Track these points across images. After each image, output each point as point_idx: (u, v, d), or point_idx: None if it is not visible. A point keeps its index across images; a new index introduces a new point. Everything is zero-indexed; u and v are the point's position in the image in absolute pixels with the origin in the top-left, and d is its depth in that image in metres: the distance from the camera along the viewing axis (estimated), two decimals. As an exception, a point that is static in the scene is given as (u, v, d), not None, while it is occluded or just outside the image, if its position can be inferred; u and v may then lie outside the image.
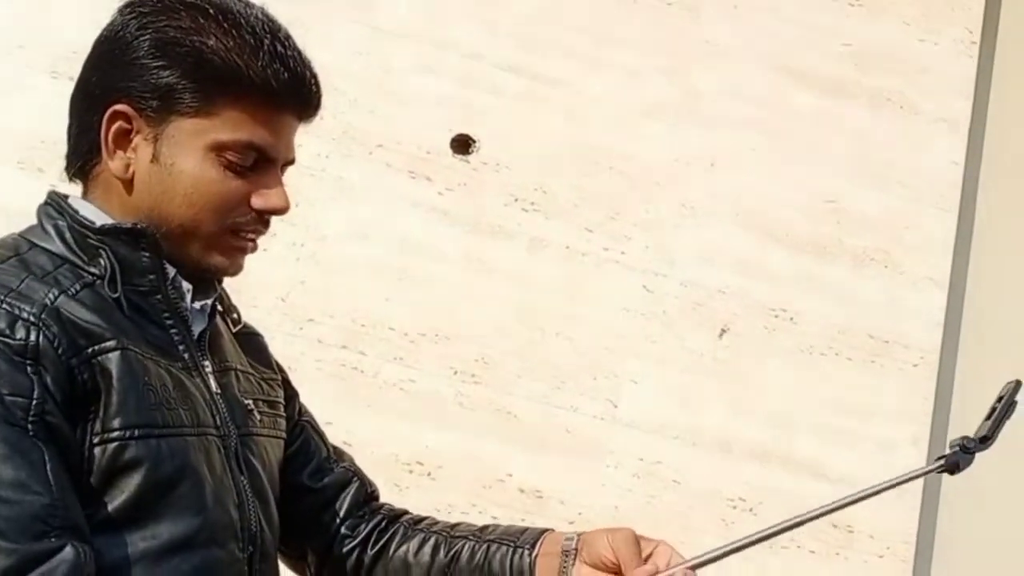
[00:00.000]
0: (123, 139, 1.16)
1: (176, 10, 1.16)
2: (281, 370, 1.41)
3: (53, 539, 1.02)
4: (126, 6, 1.18)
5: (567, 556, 1.28)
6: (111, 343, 1.10)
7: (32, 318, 1.07)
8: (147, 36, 1.15)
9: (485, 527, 1.38)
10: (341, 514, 1.38)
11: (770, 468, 2.49)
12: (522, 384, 2.41)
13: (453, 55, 2.51)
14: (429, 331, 2.39)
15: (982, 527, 2.52)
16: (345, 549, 1.37)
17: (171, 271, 1.19)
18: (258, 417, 1.27)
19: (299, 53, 1.19)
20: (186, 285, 1.20)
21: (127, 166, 1.16)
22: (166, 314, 1.18)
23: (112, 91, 1.16)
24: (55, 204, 1.19)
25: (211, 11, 1.16)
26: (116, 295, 1.14)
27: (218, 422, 1.20)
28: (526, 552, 1.32)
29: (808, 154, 2.67)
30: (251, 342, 1.36)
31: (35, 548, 1.01)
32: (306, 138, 2.22)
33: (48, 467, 1.03)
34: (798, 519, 1.22)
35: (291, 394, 1.41)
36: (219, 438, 1.19)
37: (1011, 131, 2.78)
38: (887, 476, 2.61)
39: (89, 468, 1.08)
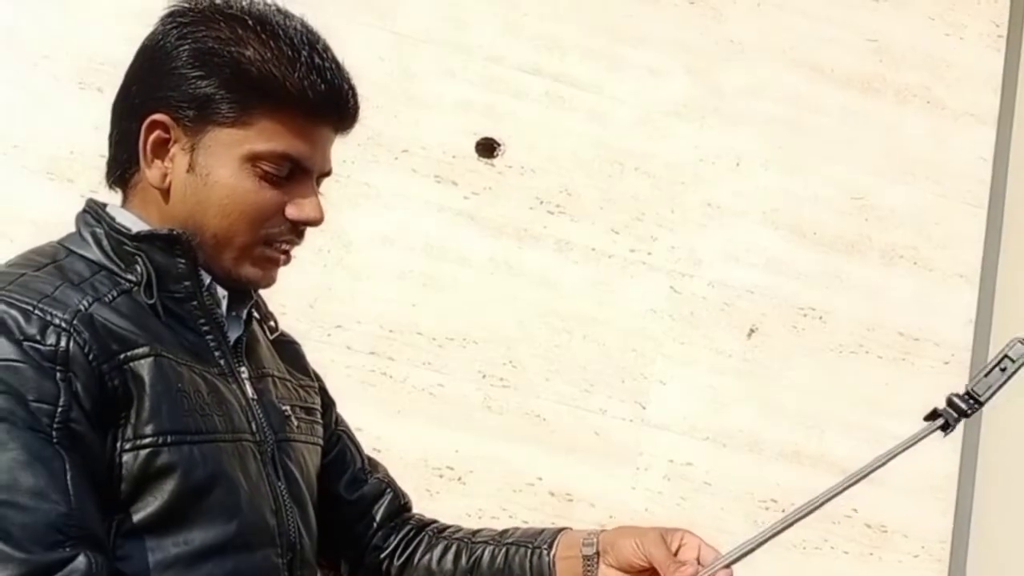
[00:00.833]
0: (161, 148, 1.18)
1: (215, 20, 1.17)
2: (318, 378, 1.42)
3: (67, 549, 1.01)
4: (167, 16, 1.19)
5: (589, 561, 1.28)
6: (144, 349, 1.11)
7: (64, 324, 1.07)
8: (186, 46, 1.16)
9: (505, 531, 1.39)
10: (374, 525, 1.39)
11: (801, 468, 2.47)
12: (550, 387, 2.40)
13: (475, 58, 2.51)
14: (457, 335, 2.38)
15: (1017, 525, 2.49)
16: (376, 559, 1.39)
17: (207, 278, 1.19)
18: (295, 423, 1.27)
19: (337, 64, 1.20)
20: (221, 292, 1.21)
21: (164, 175, 1.18)
22: (202, 320, 1.19)
23: (151, 100, 1.17)
24: (93, 212, 1.20)
25: (250, 22, 1.16)
26: (152, 301, 1.15)
27: (254, 428, 1.20)
28: (544, 552, 1.33)
29: (835, 151, 2.65)
30: (288, 350, 1.37)
31: (48, 558, 1.00)
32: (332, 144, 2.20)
33: (68, 476, 1.03)
34: (818, 500, 1.20)
35: (328, 403, 1.42)
36: (255, 444, 1.19)
37: (1040, 125, 2.75)
38: (919, 474, 2.59)
39: (120, 474, 1.08)
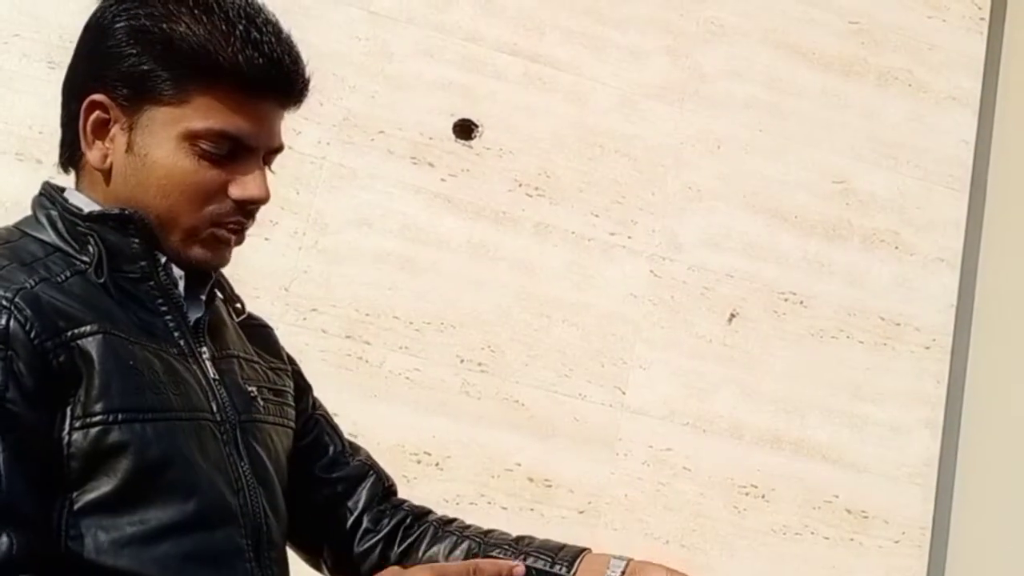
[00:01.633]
0: (101, 129, 1.16)
1: None
2: (293, 362, 1.40)
3: None
4: None
5: None
6: (92, 327, 1.09)
7: (4, 302, 1.06)
8: (121, 24, 1.15)
9: (521, 538, 1.36)
10: (359, 507, 1.37)
11: (782, 454, 2.46)
12: (529, 372, 2.38)
13: (453, 39, 2.48)
14: (434, 319, 2.36)
15: (998, 511, 2.49)
16: (368, 544, 1.36)
17: (162, 258, 1.18)
18: (261, 404, 1.25)
19: (278, 37, 1.17)
20: (178, 272, 1.19)
21: (105, 156, 1.16)
22: (160, 300, 1.17)
23: (90, 80, 1.16)
24: (48, 195, 1.18)
25: None
26: (102, 280, 1.13)
27: (215, 408, 1.18)
28: (564, 569, 1.30)
29: (816, 134, 2.64)
30: (258, 333, 1.35)
31: None
32: (306, 126, 2.20)
33: (1, 456, 1.01)
34: None
35: (304, 386, 1.40)
36: (215, 423, 1.17)
37: (1022, 108, 2.74)
38: (900, 460, 2.58)
39: (70, 452, 1.06)
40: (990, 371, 2.58)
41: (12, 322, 1.05)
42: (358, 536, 1.36)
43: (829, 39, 2.68)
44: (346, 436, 1.42)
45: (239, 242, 1.21)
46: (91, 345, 1.09)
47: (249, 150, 1.18)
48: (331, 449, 1.38)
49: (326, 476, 1.36)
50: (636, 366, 2.44)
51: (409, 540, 1.36)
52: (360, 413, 2.24)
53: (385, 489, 1.40)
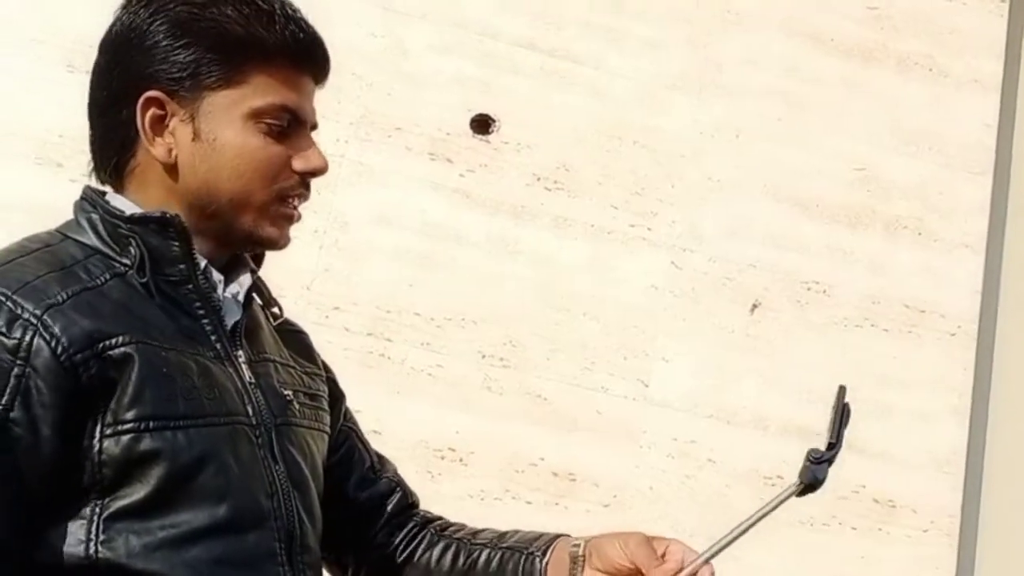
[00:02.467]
0: (159, 125, 1.18)
1: None
2: (328, 370, 1.41)
3: None
4: (127, 3, 1.20)
5: (575, 563, 1.28)
6: (125, 336, 1.10)
7: (32, 319, 1.07)
8: (161, 20, 1.18)
9: (504, 534, 1.39)
10: (380, 523, 1.39)
11: (807, 444, 2.43)
12: (551, 366, 2.37)
13: (470, 34, 2.47)
14: (455, 315, 2.36)
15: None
16: (380, 556, 1.38)
17: (202, 261, 1.19)
18: (297, 408, 1.26)
19: (305, 16, 1.23)
20: (217, 276, 1.21)
21: (169, 150, 1.18)
22: (197, 304, 1.18)
23: (139, 81, 1.17)
24: (89, 199, 1.20)
25: None
26: (144, 279, 1.15)
27: (250, 411, 1.19)
28: (538, 559, 1.32)
29: (836, 122, 2.62)
30: (295, 338, 1.37)
31: None
32: (324, 123, 2.18)
33: None
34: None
35: (338, 395, 1.42)
36: (250, 427, 1.18)
37: (1045, 91, 2.71)
38: (927, 448, 2.57)
39: (102, 460, 1.08)
40: (1017, 356, 2.56)
41: (37, 339, 1.06)
42: (374, 549, 1.38)
43: (848, 25, 2.66)
44: (377, 451, 1.44)
45: (298, 218, 1.24)
46: (124, 354, 1.10)
47: (301, 124, 1.22)
48: (362, 466, 1.40)
49: (355, 493, 1.38)
50: (659, 358, 2.44)
51: (410, 548, 1.39)
52: (383, 410, 2.24)
53: (408, 505, 1.42)
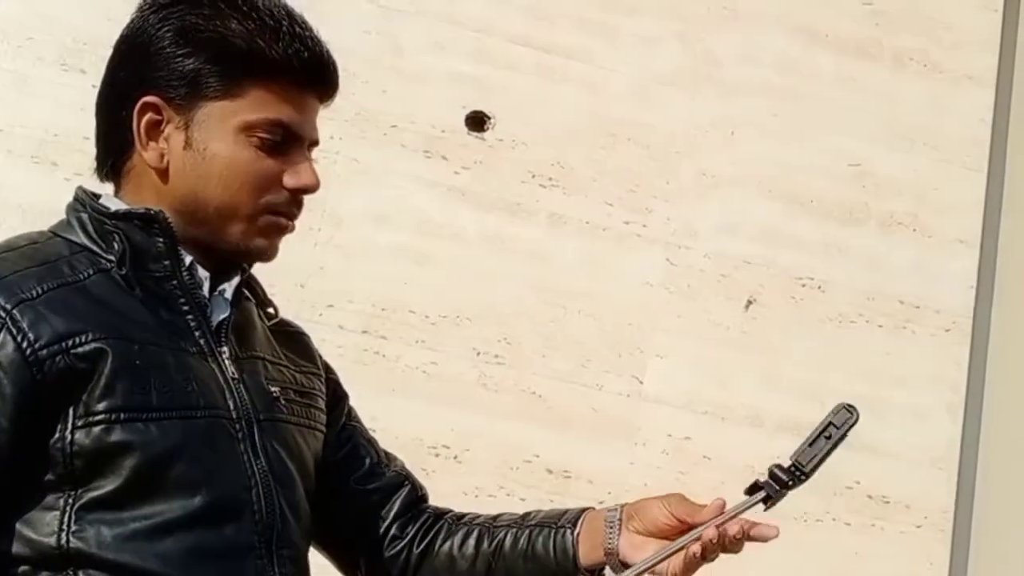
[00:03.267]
0: (154, 130, 1.20)
1: (195, 1, 1.21)
2: (330, 371, 1.42)
3: None
4: (144, 4, 1.23)
5: (611, 528, 1.29)
6: (98, 333, 1.12)
7: (1, 312, 1.10)
8: (169, 27, 1.20)
9: (527, 514, 1.39)
10: (391, 516, 1.39)
11: (802, 440, 2.45)
12: (546, 363, 2.38)
13: (464, 31, 2.47)
14: (450, 313, 2.36)
15: (1022, 494, 2.47)
16: (395, 550, 1.38)
17: (187, 258, 1.21)
18: (284, 404, 1.27)
19: (315, 35, 1.23)
20: (203, 273, 1.22)
21: (161, 155, 1.20)
22: (181, 299, 1.20)
23: (140, 84, 1.20)
24: (79, 198, 1.23)
25: None
26: (124, 271, 1.16)
27: (231, 406, 1.20)
28: (568, 531, 1.33)
29: (831, 118, 2.62)
30: (293, 338, 1.38)
31: None
32: (319, 121, 2.18)
33: None
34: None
35: (341, 395, 1.43)
36: (230, 421, 1.19)
37: (1040, 86, 2.71)
38: (921, 444, 2.57)
39: (73, 451, 1.10)
40: (1011, 352, 2.56)
41: (3, 333, 1.09)
42: (386, 543, 1.38)
43: (843, 21, 2.66)
44: (384, 448, 1.44)
45: (291, 231, 1.25)
46: (95, 349, 1.11)
47: (297, 140, 1.23)
48: (367, 461, 1.40)
49: (361, 487, 1.38)
50: (653, 355, 2.44)
51: (427, 539, 1.38)
52: (378, 408, 2.23)
53: (418, 498, 1.42)
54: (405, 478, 1.41)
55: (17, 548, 1.11)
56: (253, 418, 1.21)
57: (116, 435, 1.11)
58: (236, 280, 1.25)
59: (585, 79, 2.52)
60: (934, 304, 2.58)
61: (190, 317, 1.19)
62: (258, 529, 1.17)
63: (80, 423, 1.10)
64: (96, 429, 1.10)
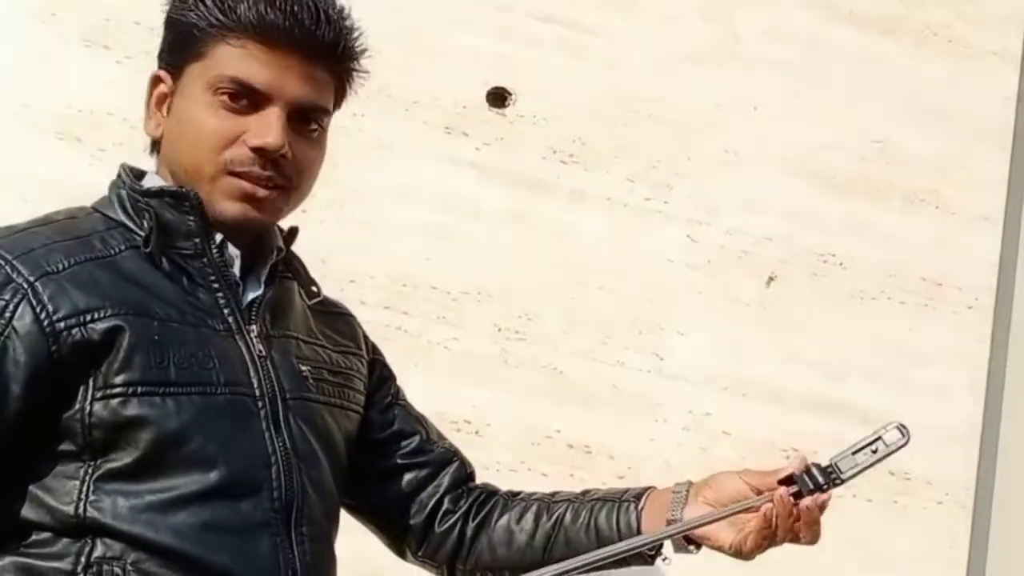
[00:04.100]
0: (162, 103, 1.26)
1: None
2: (377, 352, 1.46)
3: None
4: None
5: (676, 499, 1.30)
6: (120, 308, 1.14)
7: (24, 284, 1.12)
8: (173, 1, 1.27)
9: (586, 491, 1.41)
10: (442, 490, 1.41)
11: (823, 417, 2.45)
12: (567, 340, 2.38)
13: (486, 7, 2.47)
14: (472, 289, 2.37)
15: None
16: (448, 524, 1.40)
17: (218, 236, 1.22)
18: (314, 383, 1.28)
19: None
20: (234, 251, 1.24)
21: (157, 125, 1.25)
22: (212, 277, 1.22)
23: (158, 59, 1.28)
24: (120, 175, 1.27)
25: None
26: (148, 250, 1.18)
27: (255, 383, 1.21)
28: (632, 506, 1.34)
29: (854, 94, 2.61)
30: (337, 319, 1.41)
31: None
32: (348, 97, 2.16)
33: None
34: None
35: (386, 376, 1.47)
36: (252, 399, 1.21)
37: (1065, 62, 2.69)
38: (942, 421, 2.56)
39: (91, 422, 1.12)
40: (1035, 329, 2.55)
41: (24, 304, 1.12)
42: (439, 517, 1.40)
43: (866, -3, 2.64)
44: (435, 427, 1.45)
45: (264, 197, 1.23)
46: (114, 324, 1.13)
47: (266, 99, 1.22)
48: (416, 439, 1.43)
49: (410, 462, 1.41)
50: (674, 332, 2.44)
51: (483, 513, 1.41)
52: (400, 383, 2.25)
53: (467, 475, 1.44)
54: (454, 455, 1.44)
55: (39, 515, 1.13)
56: (278, 396, 1.22)
57: (133, 408, 1.12)
58: (271, 261, 1.27)
59: (607, 55, 2.51)
60: (957, 281, 2.57)
61: (220, 295, 1.21)
62: (276, 506, 1.19)
63: (99, 395, 1.12)
64: (113, 402, 1.12)
